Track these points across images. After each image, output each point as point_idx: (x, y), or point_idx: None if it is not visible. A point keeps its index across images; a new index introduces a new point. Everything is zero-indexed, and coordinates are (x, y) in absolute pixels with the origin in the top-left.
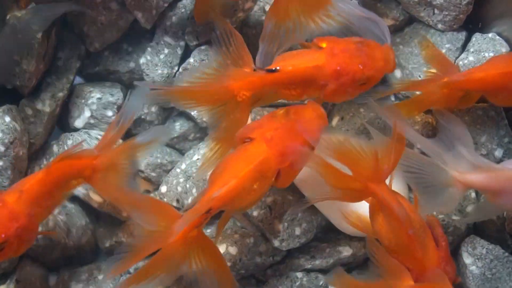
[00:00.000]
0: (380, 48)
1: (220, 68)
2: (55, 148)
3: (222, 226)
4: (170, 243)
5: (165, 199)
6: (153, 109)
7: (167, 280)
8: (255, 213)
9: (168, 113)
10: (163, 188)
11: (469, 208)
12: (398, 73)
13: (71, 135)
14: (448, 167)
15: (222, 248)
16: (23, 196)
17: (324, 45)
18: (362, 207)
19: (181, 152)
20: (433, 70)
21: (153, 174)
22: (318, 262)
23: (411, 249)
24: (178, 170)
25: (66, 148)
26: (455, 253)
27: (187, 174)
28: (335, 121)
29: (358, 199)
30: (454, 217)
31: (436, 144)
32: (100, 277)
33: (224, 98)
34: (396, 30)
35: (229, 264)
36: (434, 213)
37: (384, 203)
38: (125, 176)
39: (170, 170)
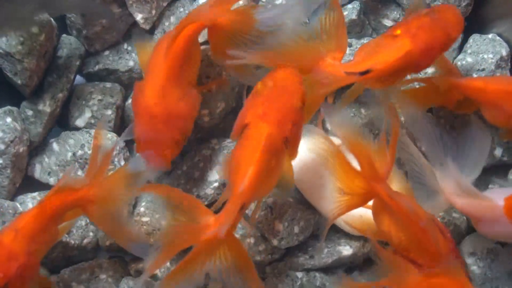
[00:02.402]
0: (450, 9)
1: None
2: (55, 146)
3: (255, 214)
4: (206, 240)
5: None
6: None
7: (198, 279)
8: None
9: None
10: None
11: None
12: None
13: (73, 133)
14: (440, 179)
15: None
16: (19, 235)
17: (398, 32)
18: (364, 211)
19: (181, 153)
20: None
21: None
22: (317, 262)
23: (424, 243)
24: (179, 171)
25: (66, 146)
26: None
27: (188, 176)
28: None
29: (363, 201)
30: (455, 215)
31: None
32: (102, 276)
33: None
34: None
35: None
36: None
37: (389, 202)
38: (122, 207)
39: (171, 171)
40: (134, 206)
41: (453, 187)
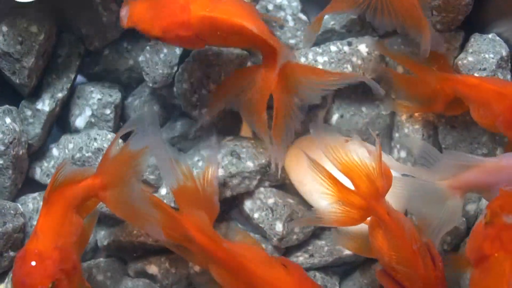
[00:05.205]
0: None
1: None
2: (54, 151)
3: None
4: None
5: (164, 201)
6: (155, 108)
7: None
8: (256, 215)
9: (169, 112)
10: (163, 191)
11: (469, 207)
12: (400, 69)
13: (72, 137)
14: (438, 179)
15: None
16: (39, 235)
17: None
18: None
19: (181, 151)
20: None
21: (152, 176)
22: (317, 261)
23: (414, 266)
24: None
25: (66, 151)
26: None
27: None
28: (334, 118)
29: (360, 218)
30: None
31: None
32: (100, 277)
33: None
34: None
35: None
36: None
37: (386, 219)
38: (133, 186)
39: None
40: None
41: (453, 173)
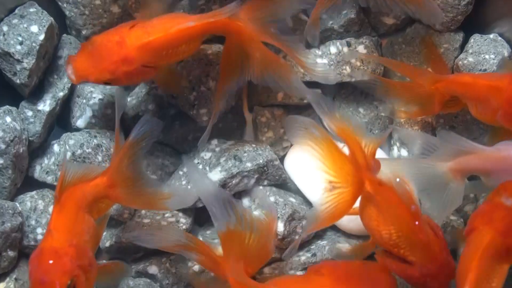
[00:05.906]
0: None
1: None
2: (55, 147)
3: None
4: None
5: None
6: (150, 106)
7: None
8: (255, 213)
9: (165, 110)
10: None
11: (467, 208)
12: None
13: (73, 134)
14: (440, 162)
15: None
16: (54, 233)
17: None
18: None
19: (182, 152)
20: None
21: (154, 176)
22: (319, 259)
23: (416, 234)
24: (180, 172)
25: (67, 147)
26: (453, 252)
27: (189, 178)
28: None
29: (354, 194)
30: (452, 217)
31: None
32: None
33: None
34: (397, 29)
35: None
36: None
37: (378, 189)
38: (142, 175)
39: (172, 171)
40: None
41: (456, 156)
